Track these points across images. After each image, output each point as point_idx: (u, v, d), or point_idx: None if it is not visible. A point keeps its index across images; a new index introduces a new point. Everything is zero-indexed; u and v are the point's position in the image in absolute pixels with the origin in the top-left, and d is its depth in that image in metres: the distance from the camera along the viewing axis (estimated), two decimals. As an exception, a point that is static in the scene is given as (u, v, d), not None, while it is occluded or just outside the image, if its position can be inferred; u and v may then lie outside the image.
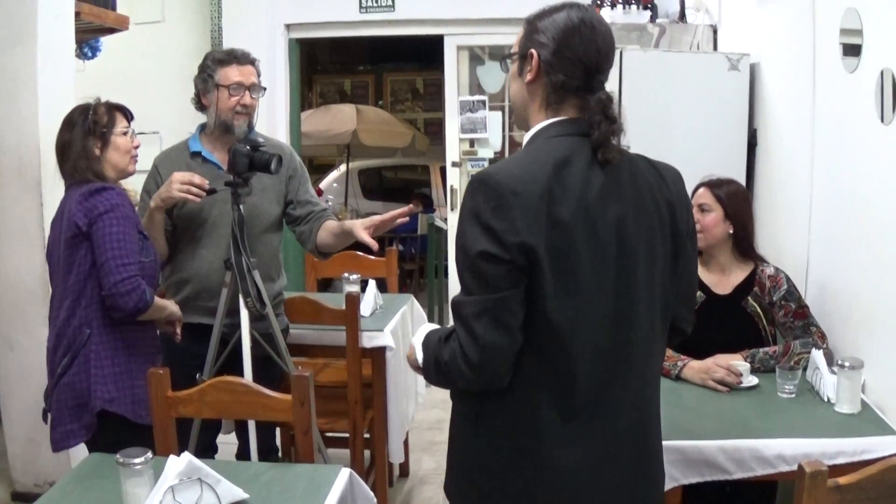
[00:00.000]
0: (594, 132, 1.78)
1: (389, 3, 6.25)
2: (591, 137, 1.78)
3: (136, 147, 2.88)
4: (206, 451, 3.13)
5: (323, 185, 10.72)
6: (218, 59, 3.16)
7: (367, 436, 3.82)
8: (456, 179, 6.70)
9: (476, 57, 6.67)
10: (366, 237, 3.07)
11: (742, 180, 3.90)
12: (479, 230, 1.71)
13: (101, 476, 2.21)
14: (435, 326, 1.94)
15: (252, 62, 3.22)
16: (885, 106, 2.55)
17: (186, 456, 2.02)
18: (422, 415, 5.06)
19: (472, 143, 6.65)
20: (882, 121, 2.57)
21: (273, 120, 6.28)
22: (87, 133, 2.75)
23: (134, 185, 3.48)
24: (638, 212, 1.82)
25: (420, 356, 1.90)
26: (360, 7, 6.28)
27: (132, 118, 2.89)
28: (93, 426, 2.73)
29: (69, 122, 2.79)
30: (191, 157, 3.21)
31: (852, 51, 2.80)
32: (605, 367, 1.80)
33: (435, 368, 1.84)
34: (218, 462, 2.51)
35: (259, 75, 3.25)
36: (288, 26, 6.42)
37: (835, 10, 2.92)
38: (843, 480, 1.79)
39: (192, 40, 5.85)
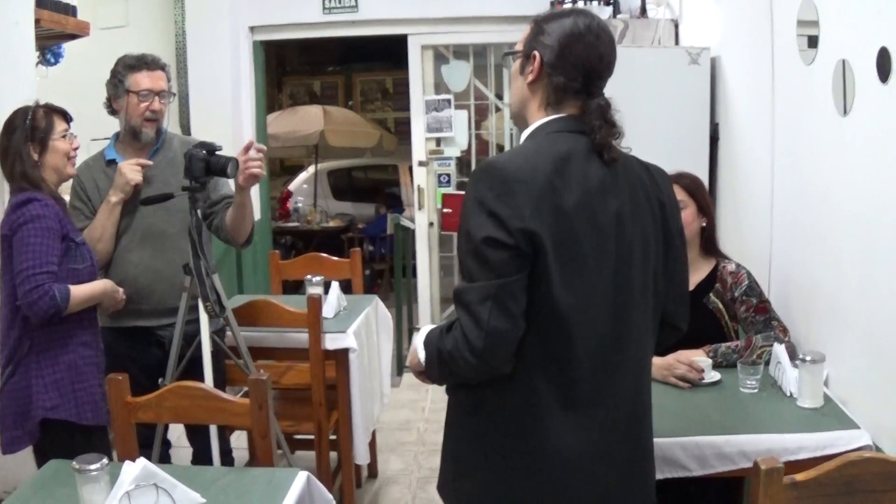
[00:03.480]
0: (595, 136, 1.83)
1: (353, 3, 6.23)
2: (593, 140, 1.83)
3: (76, 149, 2.91)
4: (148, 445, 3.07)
5: (292, 186, 10.70)
6: (128, 65, 3.18)
7: (334, 437, 3.80)
8: (423, 179, 6.69)
9: (441, 56, 6.66)
10: (241, 180, 3.09)
11: (705, 175, 3.92)
12: (484, 216, 1.75)
13: (60, 483, 2.19)
14: (433, 326, 1.95)
15: (162, 67, 3.24)
16: (843, 98, 2.54)
17: (142, 461, 2.02)
18: (390, 415, 5.06)
19: (438, 142, 6.65)
20: (840, 113, 2.57)
21: (238, 122, 6.24)
22: (27, 139, 2.77)
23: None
24: (633, 207, 1.88)
25: (422, 354, 1.91)
26: (324, 8, 6.26)
27: (71, 120, 2.91)
28: (35, 433, 2.76)
29: (9, 127, 2.81)
30: (106, 165, 3.25)
31: (810, 42, 2.80)
32: (603, 356, 1.85)
33: (438, 361, 1.86)
34: (176, 467, 2.49)
35: (169, 80, 3.28)
36: (252, 28, 6.39)
37: (792, 1, 2.91)
38: (799, 477, 1.79)
39: (156, 44, 5.75)
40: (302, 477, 2.21)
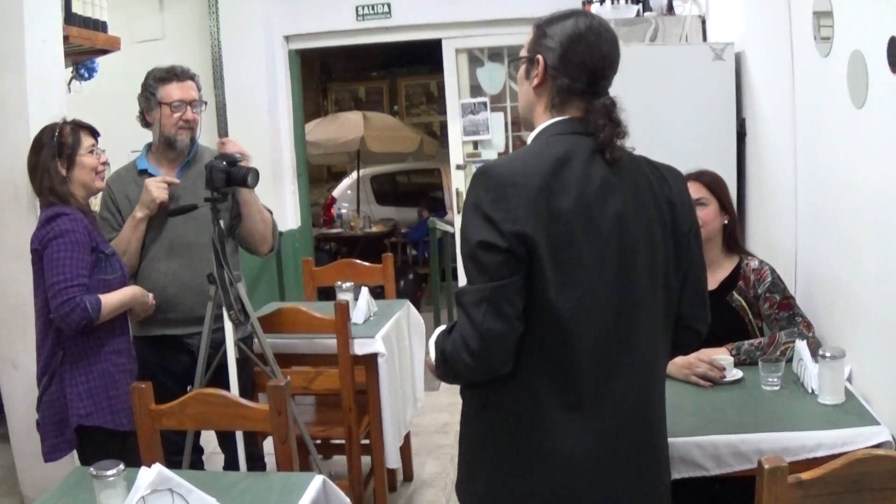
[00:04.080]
0: (599, 134, 1.83)
1: (386, 9, 6.28)
2: (597, 139, 1.83)
3: (104, 163, 2.98)
4: (180, 452, 3.14)
5: (336, 192, 10.77)
6: (159, 78, 3.25)
7: (367, 442, 3.83)
8: (461, 182, 6.70)
9: (475, 59, 6.66)
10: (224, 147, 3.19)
11: (733, 171, 3.88)
12: (480, 220, 1.77)
13: (84, 489, 2.23)
14: (444, 328, 1.97)
15: (192, 77, 3.30)
16: (858, 90, 2.50)
17: (157, 466, 2.06)
18: (427, 419, 5.07)
19: (475, 145, 6.65)
20: (854, 104, 2.52)
21: (276, 131, 6.33)
22: (54, 155, 2.85)
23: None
24: (637, 208, 1.87)
25: (433, 355, 1.95)
26: (357, 15, 6.32)
27: (98, 135, 2.99)
28: (73, 441, 2.85)
29: (37, 144, 2.90)
30: (138, 175, 3.31)
31: (825, 34, 2.76)
32: (606, 358, 1.84)
33: (442, 361, 1.89)
34: (194, 472, 2.53)
35: (200, 90, 3.33)
36: (287, 38, 6.49)
37: (808, -8, 2.87)
38: (805, 476, 1.77)
39: (192, 56, 5.87)
40: (317, 481, 2.23)
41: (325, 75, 13.60)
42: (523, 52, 1.98)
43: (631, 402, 1.90)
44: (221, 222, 3.00)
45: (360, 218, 9.87)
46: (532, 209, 1.75)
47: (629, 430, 1.90)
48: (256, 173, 3.03)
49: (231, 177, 2.99)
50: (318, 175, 12.35)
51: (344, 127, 9.82)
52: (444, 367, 1.89)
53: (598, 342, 1.83)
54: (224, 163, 2.99)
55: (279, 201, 6.27)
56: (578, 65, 1.86)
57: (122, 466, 2.04)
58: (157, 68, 3.29)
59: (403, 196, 10.98)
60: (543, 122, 1.93)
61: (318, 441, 4.06)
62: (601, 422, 1.85)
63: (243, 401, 2.50)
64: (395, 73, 13.49)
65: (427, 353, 2.02)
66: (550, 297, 1.77)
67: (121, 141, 3.80)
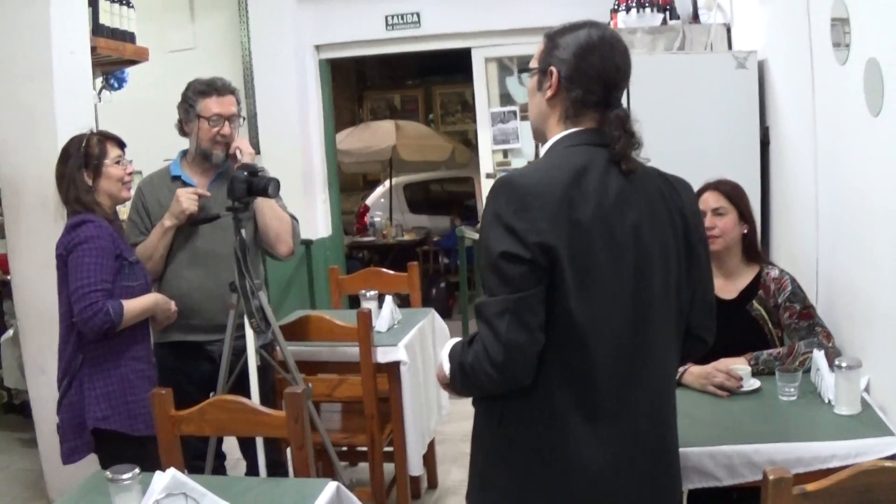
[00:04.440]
0: (615, 146, 1.84)
1: (415, 19, 6.32)
2: (612, 151, 1.84)
3: (130, 174, 3.03)
4: (202, 458, 3.17)
5: (369, 201, 10.80)
6: (199, 91, 3.29)
7: (391, 449, 3.85)
8: (491, 191, 6.69)
9: (505, 68, 6.68)
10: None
11: (757, 179, 3.85)
12: (502, 231, 1.78)
13: (102, 492, 2.25)
14: (458, 340, 1.98)
15: (232, 92, 3.34)
16: (874, 97, 2.48)
17: (171, 471, 2.09)
18: (454, 426, 5.06)
19: (505, 153, 6.65)
20: (871, 112, 2.50)
21: (307, 140, 6.38)
22: (81, 165, 2.91)
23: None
24: (652, 219, 1.88)
25: (447, 367, 1.94)
26: (387, 25, 6.36)
27: (125, 146, 3.04)
28: (91, 443, 2.92)
29: (64, 155, 2.97)
30: (171, 181, 3.36)
31: (843, 41, 2.74)
32: (624, 368, 1.85)
33: (460, 374, 1.89)
34: (209, 477, 2.58)
35: (239, 104, 3.37)
36: (317, 47, 6.55)
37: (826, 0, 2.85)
38: (810, 487, 1.75)
39: (223, 66, 5.94)
40: (331, 487, 2.25)
41: (360, 84, 13.67)
42: (534, 63, 1.98)
43: (647, 411, 1.91)
44: (243, 232, 3.03)
45: (392, 226, 9.90)
46: (554, 219, 1.76)
47: (646, 438, 1.91)
48: (277, 183, 3.07)
49: (252, 187, 3.03)
50: (353, 184, 12.40)
51: (376, 135, 9.85)
52: (464, 380, 1.89)
53: (615, 351, 1.84)
54: (245, 173, 3.03)
55: (310, 210, 6.34)
56: (592, 77, 1.87)
57: (137, 470, 2.07)
58: (198, 80, 3.34)
59: (436, 204, 10.97)
60: (558, 134, 1.93)
61: (344, 448, 4.09)
62: (619, 431, 1.86)
63: (261, 407, 2.54)
64: (430, 81, 13.48)
65: (440, 365, 2.01)
66: (570, 308, 1.78)
67: (153, 150, 3.86)
